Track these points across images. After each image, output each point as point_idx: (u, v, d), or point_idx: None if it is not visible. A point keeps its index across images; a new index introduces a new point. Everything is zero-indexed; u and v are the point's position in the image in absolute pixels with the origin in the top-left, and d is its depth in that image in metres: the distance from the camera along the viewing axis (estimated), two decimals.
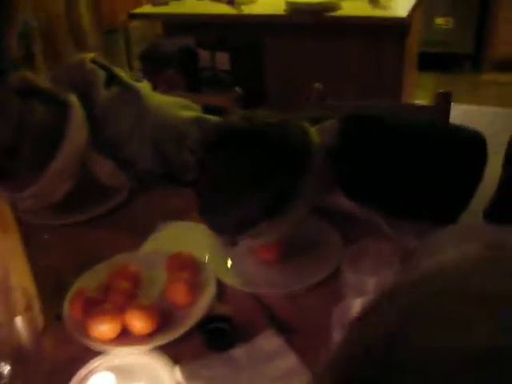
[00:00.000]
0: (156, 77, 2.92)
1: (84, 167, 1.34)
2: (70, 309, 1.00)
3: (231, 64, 2.70)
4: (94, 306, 0.96)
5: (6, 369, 0.83)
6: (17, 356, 0.84)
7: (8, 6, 1.57)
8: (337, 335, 0.80)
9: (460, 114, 1.75)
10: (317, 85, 1.66)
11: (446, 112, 1.57)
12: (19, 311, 0.83)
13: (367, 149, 1.07)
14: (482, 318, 0.30)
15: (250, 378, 0.86)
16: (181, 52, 2.87)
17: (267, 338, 0.92)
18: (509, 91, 3.79)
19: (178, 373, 0.86)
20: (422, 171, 1.11)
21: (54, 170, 1.23)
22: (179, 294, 1.01)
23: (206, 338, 0.92)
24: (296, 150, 0.96)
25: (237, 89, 1.71)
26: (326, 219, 1.18)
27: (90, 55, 1.42)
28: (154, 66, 2.92)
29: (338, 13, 2.55)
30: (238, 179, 0.94)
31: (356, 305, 0.82)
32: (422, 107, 1.75)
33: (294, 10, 2.63)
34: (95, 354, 0.92)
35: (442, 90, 1.57)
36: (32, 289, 0.94)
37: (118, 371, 0.87)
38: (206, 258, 1.12)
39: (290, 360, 0.88)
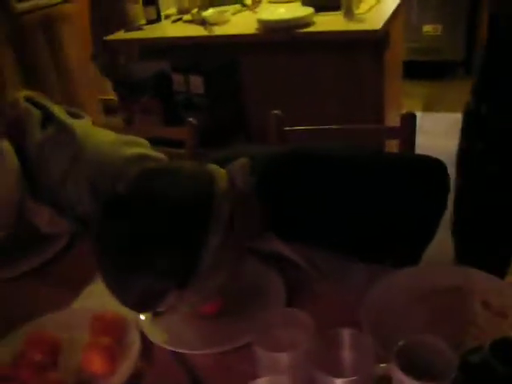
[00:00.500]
0: (131, 105, 2.86)
1: (21, 217, 1.26)
2: None
3: (205, 87, 2.62)
4: None
5: None
6: None
7: None
8: None
9: (454, 122, 1.67)
10: (275, 113, 1.58)
11: (411, 134, 1.47)
12: None
13: (291, 185, 0.98)
14: None
15: None
16: (155, 77, 2.80)
17: None
18: None
19: None
20: (362, 205, 1.02)
21: None
22: (96, 364, 0.90)
23: None
24: (197, 207, 0.85)
25: (191, 120, 1.63)
26: (267, 262, 1.09)
27: (24, 93, 1.34)
28: (129, 92, 2.85)
29: (311, 28, 2.46)
30: (128, 252, 0.83)
31: None
32: (389, 129, 1.66)
33: (266, 28, 2.54)
34: None
35: (405, 112, 1.47)
36: None
37: None
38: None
39: None
